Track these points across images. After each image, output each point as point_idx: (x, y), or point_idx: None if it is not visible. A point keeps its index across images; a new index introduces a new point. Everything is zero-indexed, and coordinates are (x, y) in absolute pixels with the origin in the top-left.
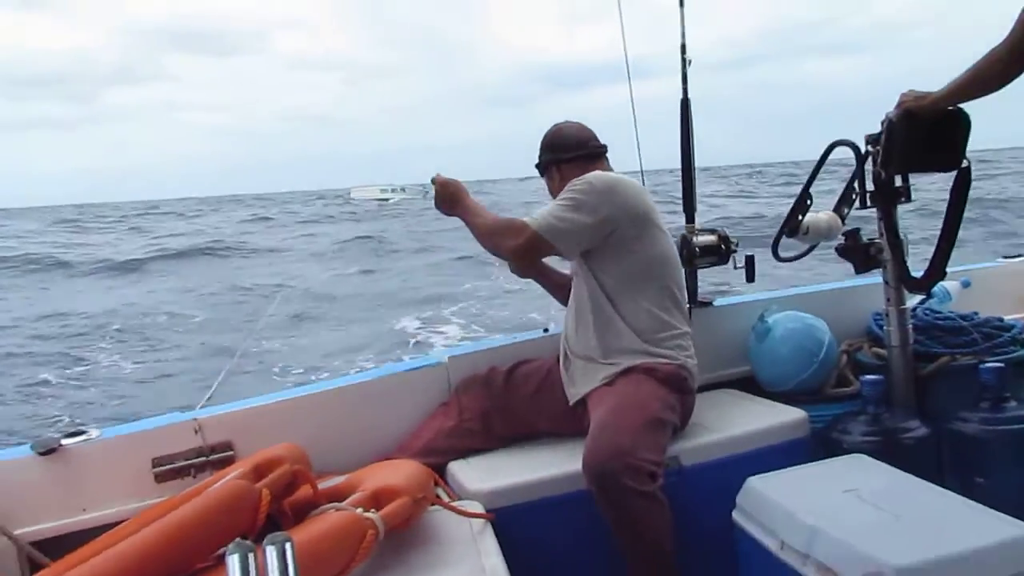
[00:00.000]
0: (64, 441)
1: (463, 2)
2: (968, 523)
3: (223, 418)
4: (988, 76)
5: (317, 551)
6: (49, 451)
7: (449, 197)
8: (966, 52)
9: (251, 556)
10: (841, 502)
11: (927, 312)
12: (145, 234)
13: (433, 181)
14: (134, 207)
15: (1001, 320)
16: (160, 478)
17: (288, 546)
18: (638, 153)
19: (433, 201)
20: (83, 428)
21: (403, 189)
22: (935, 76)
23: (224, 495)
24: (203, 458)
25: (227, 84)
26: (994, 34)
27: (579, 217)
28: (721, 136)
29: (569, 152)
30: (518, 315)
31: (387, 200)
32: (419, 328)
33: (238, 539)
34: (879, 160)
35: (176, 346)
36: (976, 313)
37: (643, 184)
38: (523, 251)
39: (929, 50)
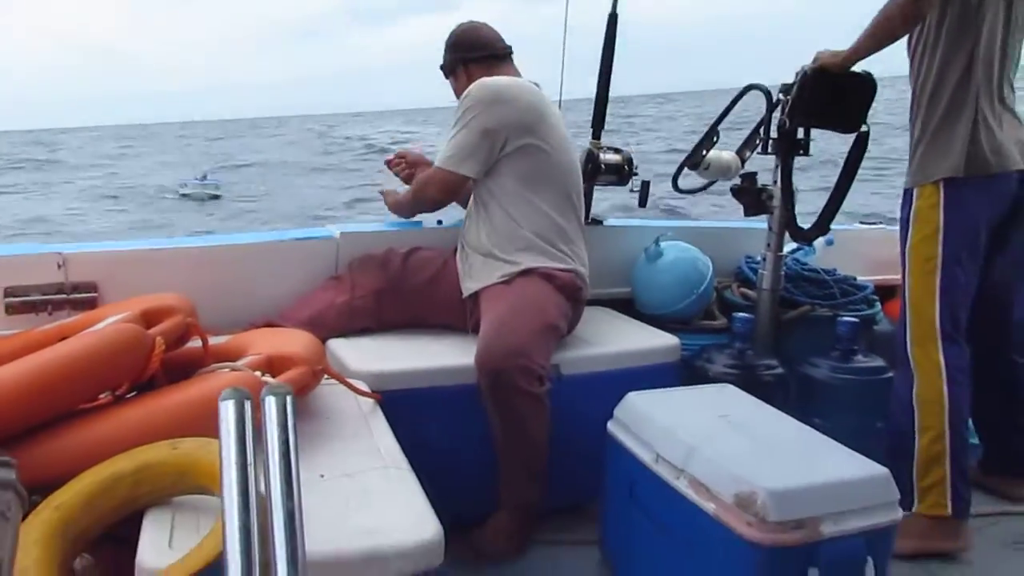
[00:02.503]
0: None
1: None
2: (829, 457)
3: (92, 256)
4: (892, 22)
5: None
6: None
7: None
8: None
9: (247, 404)
10: (715, 425)
11: (795, 262)
12: None
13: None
14: None
15: (855, 279)
16: (11, 309)
17: (289, 399)
18: (561, 78)
19: None
20: None
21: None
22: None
23: (117, 337)
24: (63, 295)
25: None
26: None
27: (471, 138)
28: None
29: (475, 52)
30: None
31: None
32: None
33: (234, 386)
34: (786, 110)
35: None
36: (836, 270)
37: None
38: (443, 195)
39: None
